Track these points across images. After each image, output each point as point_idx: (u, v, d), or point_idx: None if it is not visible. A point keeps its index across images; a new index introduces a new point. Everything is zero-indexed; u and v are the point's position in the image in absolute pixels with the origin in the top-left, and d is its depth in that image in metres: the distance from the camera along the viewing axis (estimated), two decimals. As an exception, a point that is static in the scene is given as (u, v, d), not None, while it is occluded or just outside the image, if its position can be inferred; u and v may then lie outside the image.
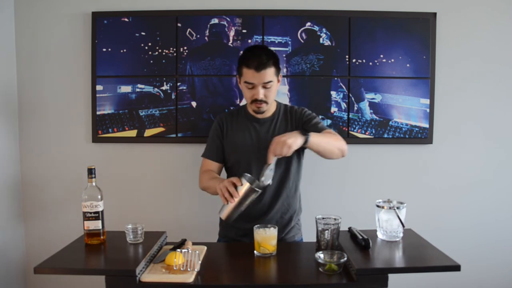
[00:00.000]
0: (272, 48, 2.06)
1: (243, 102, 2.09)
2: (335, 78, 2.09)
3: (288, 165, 1.69)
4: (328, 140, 1.58)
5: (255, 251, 1.41)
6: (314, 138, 1.50)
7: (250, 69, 1.56)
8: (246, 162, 1.67)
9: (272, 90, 1.62)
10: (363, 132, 2.11)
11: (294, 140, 1.42)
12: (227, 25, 2.08)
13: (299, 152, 1.72)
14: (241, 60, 1.62)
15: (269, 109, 1.71)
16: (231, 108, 2.10)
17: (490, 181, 2.17)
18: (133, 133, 2.11)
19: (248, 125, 1.71)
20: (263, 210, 1.68)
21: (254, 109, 1.66)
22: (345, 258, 1.26)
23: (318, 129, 1.66)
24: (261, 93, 1.59)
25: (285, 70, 2.09)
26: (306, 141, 1.47)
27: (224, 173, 1.81)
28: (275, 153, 1.43)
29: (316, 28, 2.08)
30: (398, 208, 1.40)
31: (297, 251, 1.52)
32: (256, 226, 1.43)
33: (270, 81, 1.59)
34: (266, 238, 1.40)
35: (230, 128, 1.73)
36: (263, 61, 1.55)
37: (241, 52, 1.71)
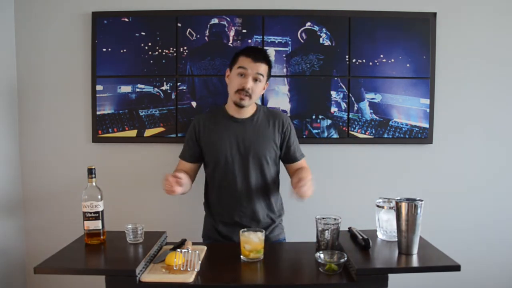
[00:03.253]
0: (272, 48, 2.08)
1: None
2: (335, 78, 2.09)
3: (264, 170, 1.73)
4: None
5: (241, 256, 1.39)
6: None
7: (248, 58, 1.65)
8: (226, 161, 1.70)
9: (259, 87, 1.69)
10: (363, 132, 2.11)
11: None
12: (227, 25, 2.08)
13: (276, 159, 1.79)
14: (239, 51, 1.71)
15: (248, 110, 1.74)
16: (231, 108, 2.10)
17: (491, 181, 2.17)
18: (133, 133, 2.11)
19: (227, 125, 1.73)
20: (247, 212, 1.73)
21: (236, 100, 1.68)
22: (345, 258, 1.26)
23: (292, 157, 1.78)
24: (250, 83, 1.65)
25: (285, 70, 2.09)
26: None
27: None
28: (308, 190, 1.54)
29: (316, 28, 2.08)
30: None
31: (297, 251, 1.52)
32: (242, 230, 1.41)
33: (261, 75, 1.67)
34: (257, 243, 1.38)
35: (207, 128, 1.75)
36: (261, 56, 1.69)
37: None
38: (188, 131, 1.80)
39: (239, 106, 1.70)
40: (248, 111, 1.75)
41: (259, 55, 1.68)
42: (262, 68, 1.67)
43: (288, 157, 1.80)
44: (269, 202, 1.76)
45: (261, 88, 1.72)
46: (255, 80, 1.66)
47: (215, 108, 1.87)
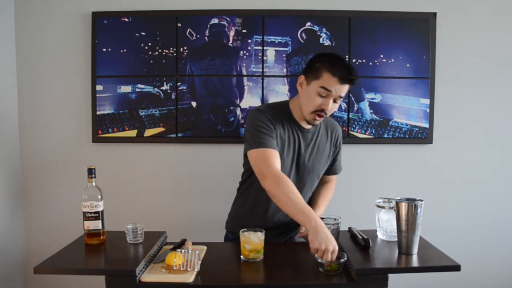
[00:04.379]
0: (272, 48, 2.08)
1: (243, 102, 2.09)
2: (335, 78, 2.09)
3: (314, 184, 1.67)
4: (326, 206, 1.72)
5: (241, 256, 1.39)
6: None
7: (334, 77, 1.42)
8: (283, 170, 1.51)
9: (336, 106, 1.52)
10: (363, 132, 2.11)
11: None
12: (227, 25, 2.08)
13: (327, 164, 1.70)
14: (324, 63, 1.45)
15: None
16: (231, 108, 2.10)
17: (490, 181, 2.17)
18: (133, 133, 2.11)
19: (293, 132, 1.55)
20: (285, 220, 1.63)
21: (310, 119, 1.50)
22: (345, 258, 1.26)
23: (332, 171, 1.75)
24: (330, 105, 1.46)
25: (285, 70, 2.09)
26: None
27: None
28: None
29: (316, 28, 2.08)
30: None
31: (297, 251, 1.52)
32: (242, 230, 1.38)
33: (342, 98, 1.48)
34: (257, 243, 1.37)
35: (278, 126, 1.52)
36: (350, 76, 1.43)
37: (318, 54, 1.52)
38: (262, 119, 1.49)
39: (311, 124, 1.54)
40: None
41: (346, 75, 1.42)
42: (346, 89, 1.45)
43: (329, 169, 1.72)
44: None
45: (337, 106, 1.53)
46: (335, 101, 1.48)
47: (277, 105, 1.61)
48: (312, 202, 1.71)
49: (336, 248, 1.27)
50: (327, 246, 1.24)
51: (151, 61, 2.09)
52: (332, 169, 1.74)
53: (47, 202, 2.17)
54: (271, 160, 1.43)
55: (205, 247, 1.48)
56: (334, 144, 1.68)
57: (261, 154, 1.45)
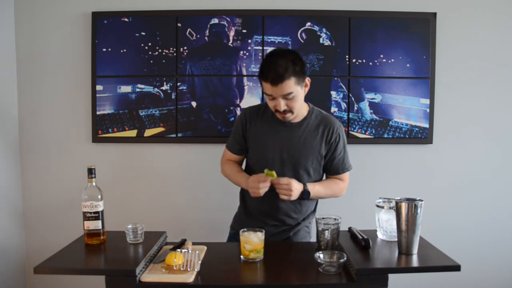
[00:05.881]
0: (272, 49, 2.07)
1: (243, 102, 2.09)
2: (335, 78, 2.09)
3: (302, 181, 1.61)
4: (327, 193, 1.67)
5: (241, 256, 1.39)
6: (313, 194, 1.60)
7: (266, 83, 1.47)
8: (266, 164, 1.57)
9: (297, 99, 1.50)
10: (363, 132, 2.11)
11: (295, 196, 1.53)
12: (227, 25, 2.08)
13: (320, 169, 1.67)
14: (260, 70, 1.51)
15: (298, 115, 1.60)
16: (231, 108, 2.10)
17: (490, 181, 2.17)
18: (133, 133, 2.11)
19: (273, 127, 1.62)
20: (279, 213, 1.65)
21: (279, 118, 1.57)
22: (345, 258, 1.26)
23: (333, 170, 1.67)
24: (282, 104, 1.49)
25: (285, 70, 2.09)
26: (304, 198, 1.58)
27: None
28: (281, 192, 1.52)
29: (316, 28, 2.08)
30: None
31: (297, 251, 1.52)
32: (242, 230, 1.39)
33: (291, 93, 1.47)
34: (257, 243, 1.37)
35: (254, 124, 1.64)
36: (279, 74, 1.43)
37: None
38: (236, 123, 1.70)
39: (286, 121, 1.58)
40: (298, 115, 1.60)
41: (276, 77, 1.44)
42: (286, 86, 1.45)
43: (329, 169, 1.67)
44: (300, 206, 1.66)
45: (301, 97, 1.53)
46: (286, 98, 1.48)
47: (262, 104, 1.72)
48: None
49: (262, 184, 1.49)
50: (253, 182, 1.51)
51: (151, 61, 2.09)
52: (333, 169, 1.67)
53: (47, 202, 2.17)
54: (225, 158, 1.77)
55: (205, 247, 1.48)
56: (327, 141, 1.62)
57: (224, 152, 1.77)
